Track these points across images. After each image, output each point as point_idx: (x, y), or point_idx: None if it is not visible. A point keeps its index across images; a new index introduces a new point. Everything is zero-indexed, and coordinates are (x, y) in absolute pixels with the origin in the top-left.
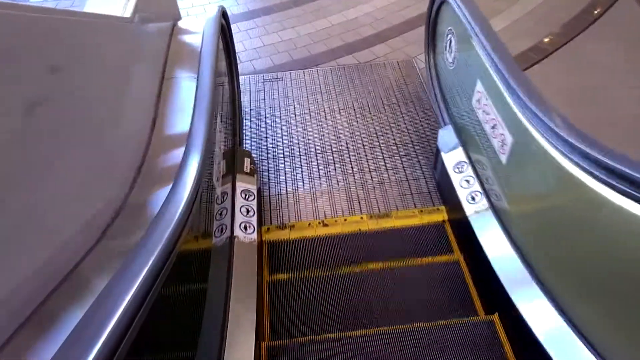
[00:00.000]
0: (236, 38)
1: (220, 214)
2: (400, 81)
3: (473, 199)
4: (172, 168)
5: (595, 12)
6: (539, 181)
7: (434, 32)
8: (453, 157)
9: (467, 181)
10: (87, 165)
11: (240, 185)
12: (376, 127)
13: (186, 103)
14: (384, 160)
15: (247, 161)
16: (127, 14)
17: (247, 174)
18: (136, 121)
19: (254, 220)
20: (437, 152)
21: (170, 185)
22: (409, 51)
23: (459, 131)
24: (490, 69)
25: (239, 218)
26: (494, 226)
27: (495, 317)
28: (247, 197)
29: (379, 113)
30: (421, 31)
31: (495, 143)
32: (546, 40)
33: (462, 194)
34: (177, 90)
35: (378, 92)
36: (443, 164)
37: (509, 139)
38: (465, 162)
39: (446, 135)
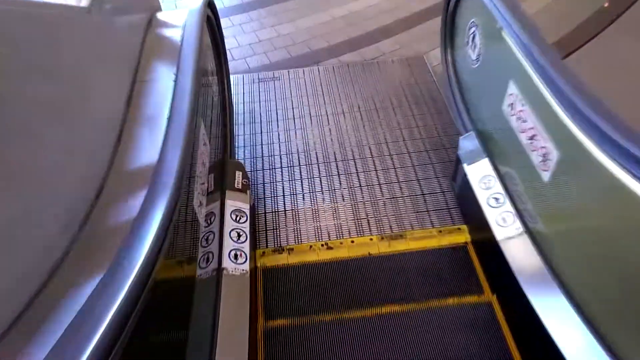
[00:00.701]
0: (228, 33)
1: (207, 240)
2: (410, 80)
3: (504, 220)
4: (125, 227)
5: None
6: (598, 209)
7: (452, 25)
8: (478, 170)
9: (496, 199)
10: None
11: (230, 204)
12: (385, 132)
13: (161, 115)
14: (395, 171)
15: (238, 175)
16: (84, 3)
17: (238, 190)
18: (91, 148)
19: (245, 246)
20: (457, 163)
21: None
22: (419, 47)
23: (484, 140)
24: (529, 68)
25: (228, 245)
26: (533, 257)
27: None
28: (238, 218)
29: (388, 117)
30: (432, 25)
31: (535, 157)
32: (567, 37)
33: (491, 215)
34: (151, 97)
35: (386, 93)
36: (465, 177)
37: (554, 154)
38: (492, 176)
39: (468, 144)
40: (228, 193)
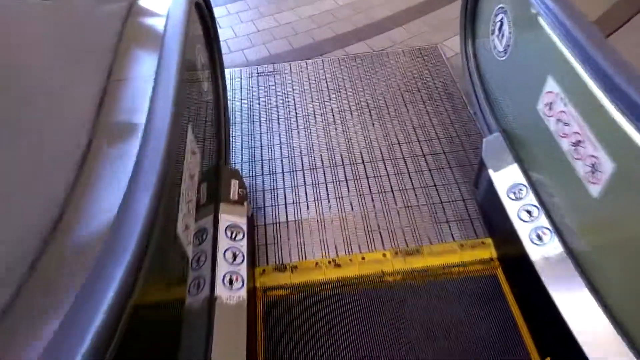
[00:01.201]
0: (225, 22)
1: (197, 262)
2: (424, 74)
3: (539, 238)
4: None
5: None
6: None
7: (474, 12)
8: (506, 177)
9: (529, 212)
10: None
11: (225, 219)
12: (397, 132)
13: (138, 120)
14: (410, 176)
15: (234, 184)
16: None
17: (234, 202)
18: (49, 168)
19: (242, 268)
20: (481, 167)
21: None
22: (433, 37)
23: (513, 143)
24: (576, 62)
25: (222, 268)
26: (578, 285)
27: None
28: (234, 235)
29: (400, 114)
30: (448, 11)
31: (580, 167)
32: (598, 20)
33: (523, 230)
34: (127, 99)
35: (397, 87)
36: (491, 184)
37: (608, 166)
38: (524, 185)
39: (494, 147)
40: (222, 206)
